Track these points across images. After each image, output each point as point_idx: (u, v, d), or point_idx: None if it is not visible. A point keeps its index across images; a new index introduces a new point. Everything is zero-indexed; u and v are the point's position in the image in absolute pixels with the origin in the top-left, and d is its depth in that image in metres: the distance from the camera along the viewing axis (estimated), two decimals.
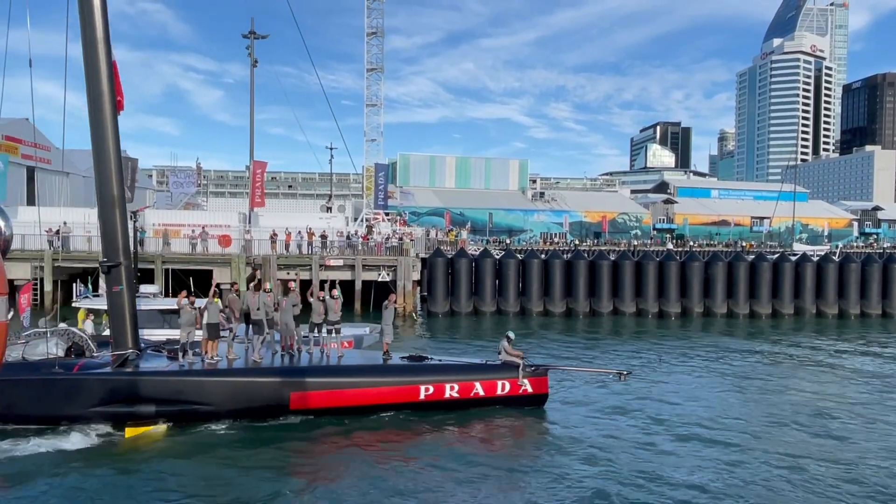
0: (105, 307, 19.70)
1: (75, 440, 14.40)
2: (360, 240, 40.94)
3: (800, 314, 39.14)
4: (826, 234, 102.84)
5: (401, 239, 41.10)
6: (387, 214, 57.47)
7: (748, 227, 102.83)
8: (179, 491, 12.04)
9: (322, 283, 23.80)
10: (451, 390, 16.80)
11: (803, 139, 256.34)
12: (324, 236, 39.63)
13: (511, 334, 18.12)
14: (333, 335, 18.43)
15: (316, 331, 18.43)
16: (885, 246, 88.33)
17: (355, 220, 54.47)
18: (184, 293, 17.89)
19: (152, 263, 36.27)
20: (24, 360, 15.71)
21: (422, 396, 16.67)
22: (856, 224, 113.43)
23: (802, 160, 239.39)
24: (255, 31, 43.45)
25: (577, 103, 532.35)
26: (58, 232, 37.34)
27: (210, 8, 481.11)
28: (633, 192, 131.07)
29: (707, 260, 40.90)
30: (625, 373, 18.08)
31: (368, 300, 36.86)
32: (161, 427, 15.21)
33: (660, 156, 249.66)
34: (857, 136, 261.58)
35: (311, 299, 19.06)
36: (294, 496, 11.96)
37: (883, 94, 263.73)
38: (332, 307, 18.33)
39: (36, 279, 35.20)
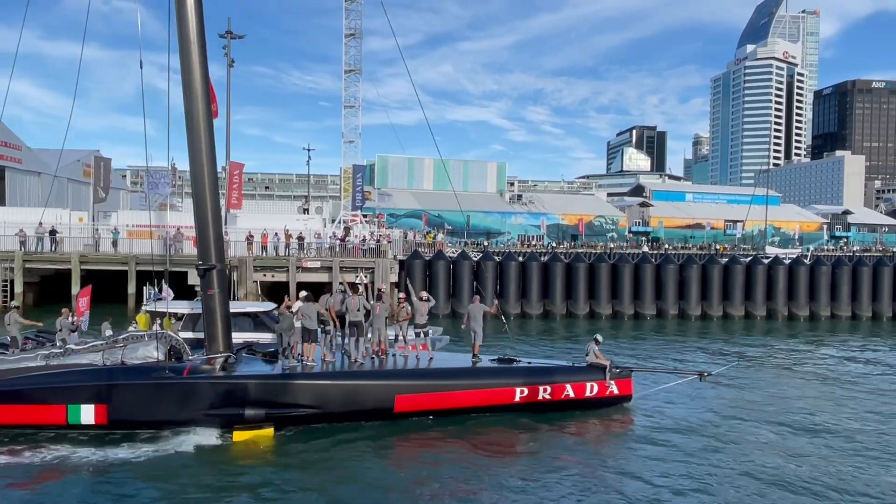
0: (174, 310, 19.94)
1: (186, 444, 14.43)
2: (338, 241, 40.78)
3: (772, 316, 39.77)
4: (797, 237, 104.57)
5: (378, 240, 41.02)
6: (364, 216, 57.32)
7: (722, 230, 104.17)
8: (294, 495, 12.13)
9: (385, 284, 23.16)
10: (543, 392, 17.10)
11: (776, 144, 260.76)
12: (301, 238, 39.41)
13: (599, 337, 18.44)
14: (422, 338, 18.49)
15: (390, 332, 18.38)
16: (854, 249, 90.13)
17: (333, 221, 54.25)
18: (287, 300, 18.12)
19: (125, 265, 35.83)
20: (125, 364, 15.68)
21: (517, 398, 16.92)
22: (826, 228, 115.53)
23: (775, 165, 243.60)
24: (231, 31, 43.12)
25: (554, 107, 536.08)
26: (53, 232, 36.72)
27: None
28: (609, 195, 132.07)
29: (682, 262, 41.40)
30: (705, 373, 18.52)
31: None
32: (269, 430, 15.20)
33: (636, 159, 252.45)
34: (827, 141, 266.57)
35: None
36: (403, 499, 12.06)
37: (852, 101, 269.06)
38: (419, 310, 18.42)
39: (12, 282, 34.51)
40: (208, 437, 14.83)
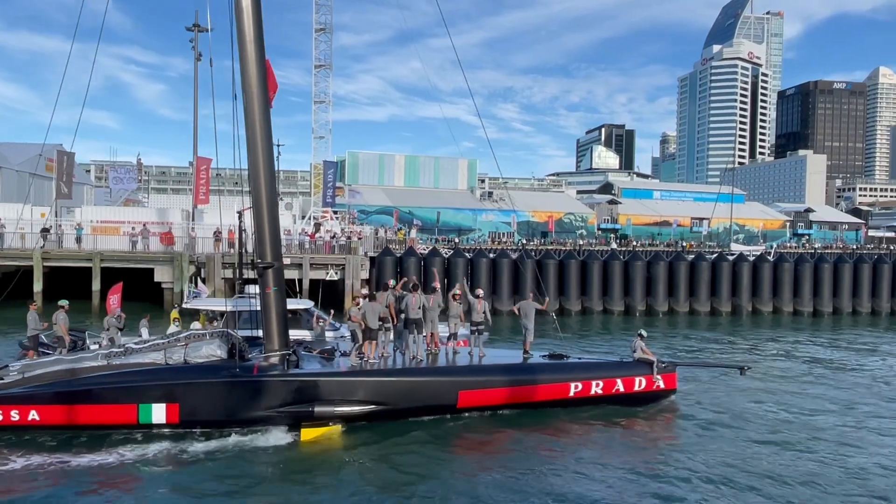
0: (215, 308, 20.00)
1: (255, 442, 14.44)
2: (308, 238, 40.48)
3: (737, 312, 40.57)
4: (761, 234, 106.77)
5: (349, 237, 40.83)
6: (335, 212, 57.02)
7: (688, 227, 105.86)
8: (366, 492, 12.18)
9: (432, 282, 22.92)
10: (596, 387, 17.51)
11: (741, 143, 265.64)
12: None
13: (643, 332, 18.81)
14: (479, 336, 18.46)
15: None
16: (816, 246, 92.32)
17: (303, 218, 53.86)
18: (356, 300, 18.16)
19: (90, 262, 35.11)
20: (188, 363, 15.57)
21: (571, 393, 17.34)
22: (789, 225, 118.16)
23: (740, 163, 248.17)
24: (198, 23, 42.46)
25: (524, 104, 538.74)
26: (46, 231, 35.83)
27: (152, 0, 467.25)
28: (578, 192, 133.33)
29: (649, 259, 41.98)
30: (746, 367, 19.12)
31: (316, 299, 36.46)
32: (337, 427, 15.30)
33: (605, 157, 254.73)
34: (790, 140, 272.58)
35: (451, 301, 19.02)
36: (471, 493, 12.16)
37: (815, 101, 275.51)
38: (475, 307, 18.49)
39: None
40: (277, 435, 14.86)
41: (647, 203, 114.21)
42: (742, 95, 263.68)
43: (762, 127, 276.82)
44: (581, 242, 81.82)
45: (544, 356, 18.74)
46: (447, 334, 18.59)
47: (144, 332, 19.51)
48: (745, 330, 35.42)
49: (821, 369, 24.75)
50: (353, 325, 16.97)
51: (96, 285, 34.71)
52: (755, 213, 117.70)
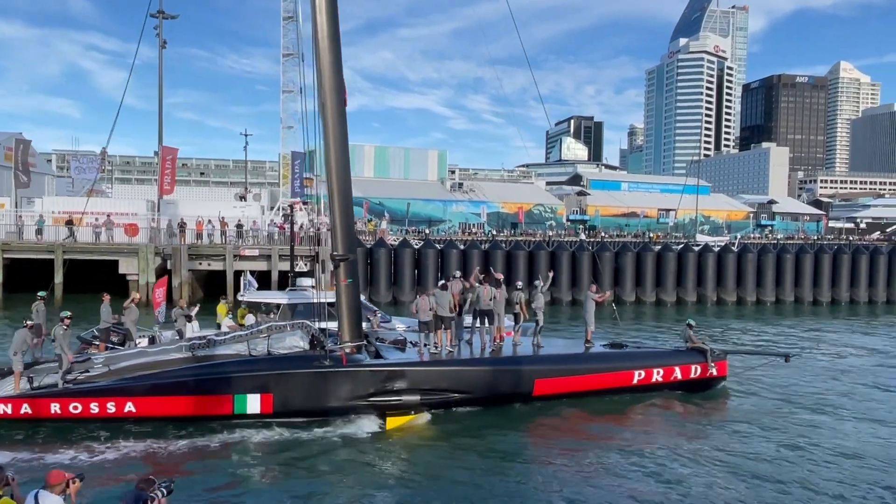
0: (270, 301, 20.36)
1: (345, 431, 14.75)
2: (277, 229, 40.10)
3: (702, 301, 41.34)
4: (726, 225, 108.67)
5: (318, 228, 40.51)
6: (304, 203, 56.50)
7: (655, 218, 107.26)
8: (458, 478, 12.50)
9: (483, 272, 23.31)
10: (657, 374, 18.27)
11: (706, 135, 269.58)
12: (239, 225, 38.59)
13: (692, 321, 19.82)
14: (536, 327, 18.85)
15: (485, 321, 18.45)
16: (778, 237, 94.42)
17: (271, 208, 53.30)
18: (430, 291, 18.42)
19: (52, 253, 34.29)
20: (271, 354, 15.79)
21: (635, 381, 18.05)
22: (752, 216, 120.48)
23: (705, 155, 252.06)
24: (163, 10, 41.59)
25: (494, 95, 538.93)
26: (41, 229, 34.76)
27: None
28: (548, 183, 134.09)
29: (617, 250, 42.52)
30: (790, 355, 20.18)
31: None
32: (422, 415, 15.70)
33: (574, 149, 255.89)
34: (754, 133, 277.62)
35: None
36: (554, 476, 12.59)
37: (778, 94, 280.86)
38: (536, 299, 18.81)
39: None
40: (365, 423, 15.14)
41: (615, 194, 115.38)
42: (708, 88, 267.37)
43: (727, 120, 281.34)
44: (550, 233, 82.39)
45: (605, 346, 19.61)
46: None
47: (190, 325, 19.40)
48: (711, 318, 36.12)
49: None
50: (426, 315, 17.27)
51: (58, 277, 33.92)
52: (720, 205, 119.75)
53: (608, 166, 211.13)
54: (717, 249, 44.49)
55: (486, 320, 18.00)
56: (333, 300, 19.54)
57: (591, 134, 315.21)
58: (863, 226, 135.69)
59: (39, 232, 36.04)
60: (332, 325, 17.40)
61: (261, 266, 36.17)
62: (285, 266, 36.45)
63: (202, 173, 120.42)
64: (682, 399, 18.30)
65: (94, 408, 14.43)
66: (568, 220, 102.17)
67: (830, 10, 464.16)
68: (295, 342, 16.23)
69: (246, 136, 73.39)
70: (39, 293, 18.78)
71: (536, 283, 20.58)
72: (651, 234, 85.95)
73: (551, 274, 21.86)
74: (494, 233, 78.96)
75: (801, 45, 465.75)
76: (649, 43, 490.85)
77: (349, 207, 17.23)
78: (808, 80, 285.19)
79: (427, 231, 77.45)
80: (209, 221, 38.15)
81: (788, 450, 14.26)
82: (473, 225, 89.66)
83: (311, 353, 15.94)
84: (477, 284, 18.51)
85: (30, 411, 14.34)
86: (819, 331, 32.54)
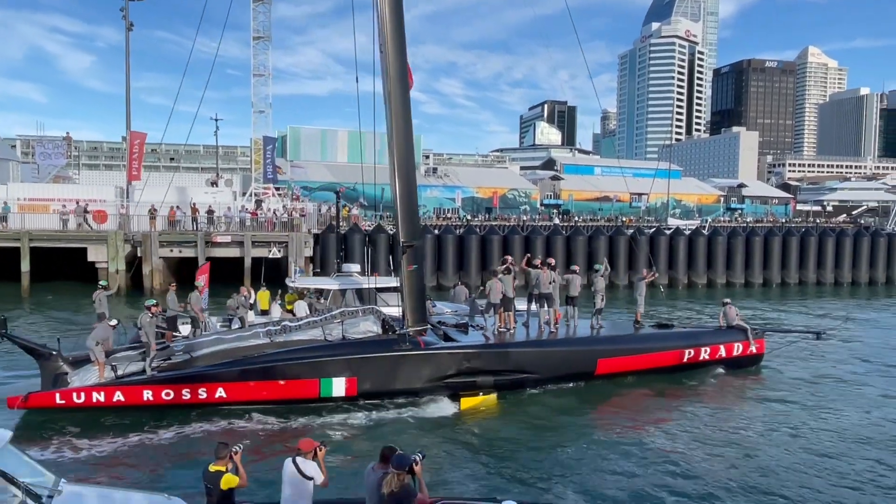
0: (321, 286, 21.00)
1: (423, 411, 15.44)
2: (249, 215, 39.68)
3: (673, 284, 41.94)
4: (697, 209, 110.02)
5: (291, 214, 40.21)
6: (277, 189, 55.94)
7: (628, 202, 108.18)
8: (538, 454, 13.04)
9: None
10: (704, 353, 19.23)
11: (678, 120, 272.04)
12: (210, 211, 38.10)
13: (728, 300, 20.87)
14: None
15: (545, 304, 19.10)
16: (748, 220, 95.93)
17: (243, 194, 52.67)
18: (497, 274, 18.89)
19: (17, 241, 33.57)
20: (346, 339, 16.21)
21: (685, 359, 18.99)
22: (723, 200, 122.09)
23: (677, 140, 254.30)
24: None
25: (468, 80, 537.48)
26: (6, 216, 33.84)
27: None
28: (522, 168, 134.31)
29: (590, 234, 42.89)
30: (823, 332, 21.40)
31: (259, 277, 35.94)
32: (493, 396, 16.25)
33: (547, 133, 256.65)
34: (725, 117, 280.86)
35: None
36: (620, 451, 13.22)
37: (748, 79, 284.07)
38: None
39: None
40: (441, 404, 15.78)
41: (588, 179, 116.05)
42: (679, 73, 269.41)
43: (698, 104, 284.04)
44: (525, 218, 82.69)
45: (653, 326, 20.68)
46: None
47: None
48: (682, 300, 36.70)
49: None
50: (496, 297, 17.98)
51: (25, 266, 33.27)
52: (691, 189, 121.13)
53: (582, 151, 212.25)
54: (688, 233, 45.12)
55: (546, 303, 18.72)
56: (381, 286, 20.84)
57: (564, 118, 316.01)
58: (830, 209, 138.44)
59: (4, 219, 35.24)
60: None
61: (233, 253, 35.83)
62: (258, 253, 36.21)
63: (172, 159, 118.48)
64: (729, 375, 19.35)
65: (186, 394, 14.86)
66: (542, 204, 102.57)
67: None
68: (368, 327, 16.78)
69: (216, 120, 72.12)
70: (101, 282, 19.15)
71: (597, 267, 21.76)
72: (624, 219, 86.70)
73: (605, 261, 23.42)
74: (469, 218, 79.03)
75: (771, 29, 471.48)
76: (622, 27, 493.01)
77: (413, 196, 17.67)
78: (778, 65, 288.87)
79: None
80: (177, 207, 37.54)
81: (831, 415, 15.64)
82: (448, 210, 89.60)
83: (390, 338, 16.43)
84: (532, 269, 19.18)
85: (123, 399, 14.64)
86: (787, 312, 33.24)
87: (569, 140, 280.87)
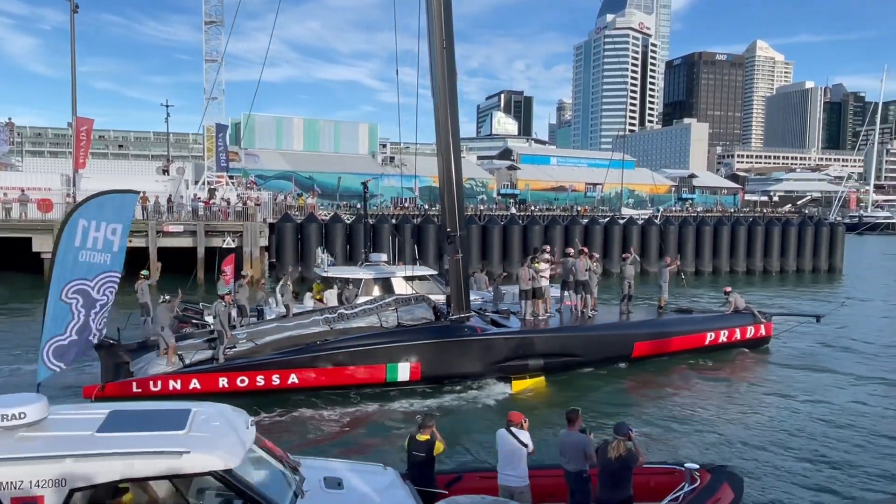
0: (351, 276, 21.44)
1: (480, 393, 16.21)
2: (202, 204, 38.89)
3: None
4: (649, 199, 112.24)
5: (245, 203, 39.54)
6: (231, 178, 54.96)
7: (583, 192, 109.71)
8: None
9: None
10: (723, 336, 20.56)
11: (631, 111, 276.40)
12: (169, 201, 37.18)
13: (730, 288, 22.38)
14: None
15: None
16: (698, 210, 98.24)
17: (196, 183, 51.57)
18: (528, 264, 19.72)
19: None
20: (401, 325, 16.89)
21: (707, 342, 20.27)
22: (674, 190, 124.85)
23: (630, 131, 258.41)
24: None
25: (425, 69, 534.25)
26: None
27: None
28: (479, 158, 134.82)
29: (546, 224, 43.35)
30: (821, 316, 22.82)
31: (213, 268, 35.28)
32: (542, 378, 17.16)
33: (504, 123, 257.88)
34: (677, 109, 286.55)
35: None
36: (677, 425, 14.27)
37: (699, 72, 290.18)
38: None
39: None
40: (495, 386, 16.66)
41: (544, 169, 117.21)
42: (633, 65, 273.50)
43: (651, 96, 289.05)
44: (482, 207, 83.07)
45: (675, 311, 22.02)
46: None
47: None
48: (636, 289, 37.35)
49: None
50: (525, 284, 18.95)
51: None
52: (644, 179, 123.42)
53: (538, 141, 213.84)
54: (640, 222, 45.99)
55: (583, 290, 19.72)
56: (411, 274, 21.83)
57: (520, 108, 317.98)
58: (776, 199, 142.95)
59: None
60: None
61: (185, 242, 35.11)
62: (211, 243, 35.54)
63: (121, 146, 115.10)
64: (741, 355, 20.88)
65: (260, 380, 15.30)
66: (499, 194, 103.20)
67: None
68: (422, 313, 17.48)
69: (167, 106, 70.29)
70: (143, 272, 18.80)
71: (626, 256, 23.14)
72: (579, 208, 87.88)
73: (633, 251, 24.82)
74: (427, 207, 78.99)
75: (721, 23, 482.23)
76: (578, 18, 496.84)
77: (459, 188, 18.20)
78: (727, 58, 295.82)
79: (359, 206, 76.73)
80: None
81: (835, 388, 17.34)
82: (406, 199, 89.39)
83: (450, 324, 17.20)
84: (570, 258, 20.28)
85: (199, 386, 14.93)
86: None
87: (525, 130, 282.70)
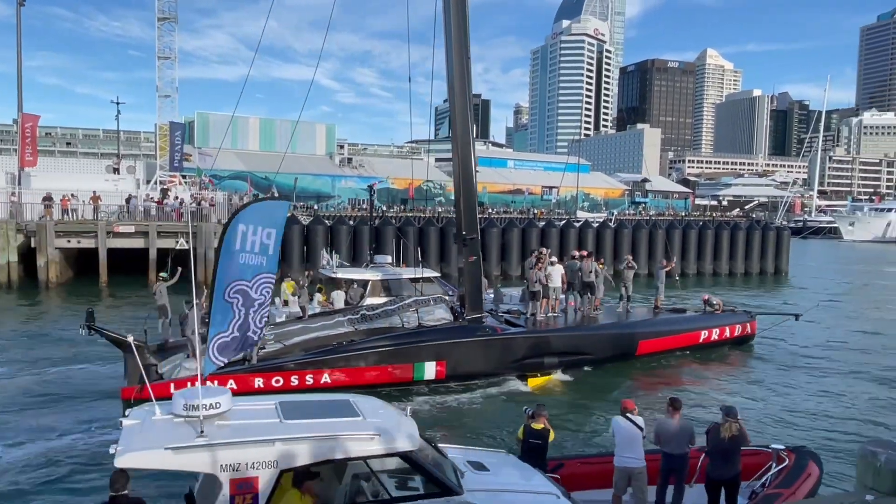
0: (359, 277, 21.70)
1: (496, 390, 16.90)
2: (154, 204, 38.04)
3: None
4: (604, 202, 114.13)
5: (199, 204, 38.82)
6: (184, 177, 53.93)
7: (539, 195, 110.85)
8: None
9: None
10: (716, 333, 21.77)
11: (586, 116, 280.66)
12: (128, 200, 36.21)
13: (707, 295, 23.62)
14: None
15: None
16: (651, 214, 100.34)
17: (148, 182, 50.44)
18: (539, 264, 20.37)
19: None
20: (422, 326, 17.33)
21: (701, 339, 21.48)
22: (628, 194, 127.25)
23: (585, 135, 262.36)
24: None
25: (382, 69, 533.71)
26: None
27: None
28: (437, 160, 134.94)
29: (504, 226, 43.74)
30: (799, 315, 24.08)
31: (166, 270, 34.49)
32: (556, 375, 17.95)
33: None
34: (630, 114, 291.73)
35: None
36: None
37: (651, 78, 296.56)
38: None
39: None
40: (511, 383, 17.36)
41: (501, 172, 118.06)
42: (588, 70, 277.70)
43: (605, 101, 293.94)
44: (440, 210, 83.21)
45: (668, 311, 23.00)
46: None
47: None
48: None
49: None
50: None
51: None
52: (599, 183, 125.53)
53: (495, 144, 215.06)
54: (595, 225, 46.78)
55: (589, 291, 20.70)
56: (417, 276, 22.19)
57: (478, 112, 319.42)
58: (725, 203, 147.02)
59: None
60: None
61: (137, 243, 34.31)
62: (164, 243, 34.77)
63: (69, 143, 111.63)
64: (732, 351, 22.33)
65: (295, 380, 15.70)
66: None
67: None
68: (441, 314, 17.92)
69: (118, 104, 68.46)
70: (161, 274, 18.90)
71: (625, 258, 24.43)
72: (536, 211, 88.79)
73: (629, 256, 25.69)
74: (384, 209, 78.79)
75: (673, 31, 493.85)
76: (534, 23, 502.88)
77: (473, 191, 18.82)
78: (679, 66, 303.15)
79: (315, 207, 76.08)
80: (72, 195, 35.48)
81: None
82: (363, 201, 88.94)
83: (471, 324, 17.76)
84: (575, 261, 21.29)
85: (235, 387, 14.89)
86: (688, 300, 35.09)
87: (482, 133, 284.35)
